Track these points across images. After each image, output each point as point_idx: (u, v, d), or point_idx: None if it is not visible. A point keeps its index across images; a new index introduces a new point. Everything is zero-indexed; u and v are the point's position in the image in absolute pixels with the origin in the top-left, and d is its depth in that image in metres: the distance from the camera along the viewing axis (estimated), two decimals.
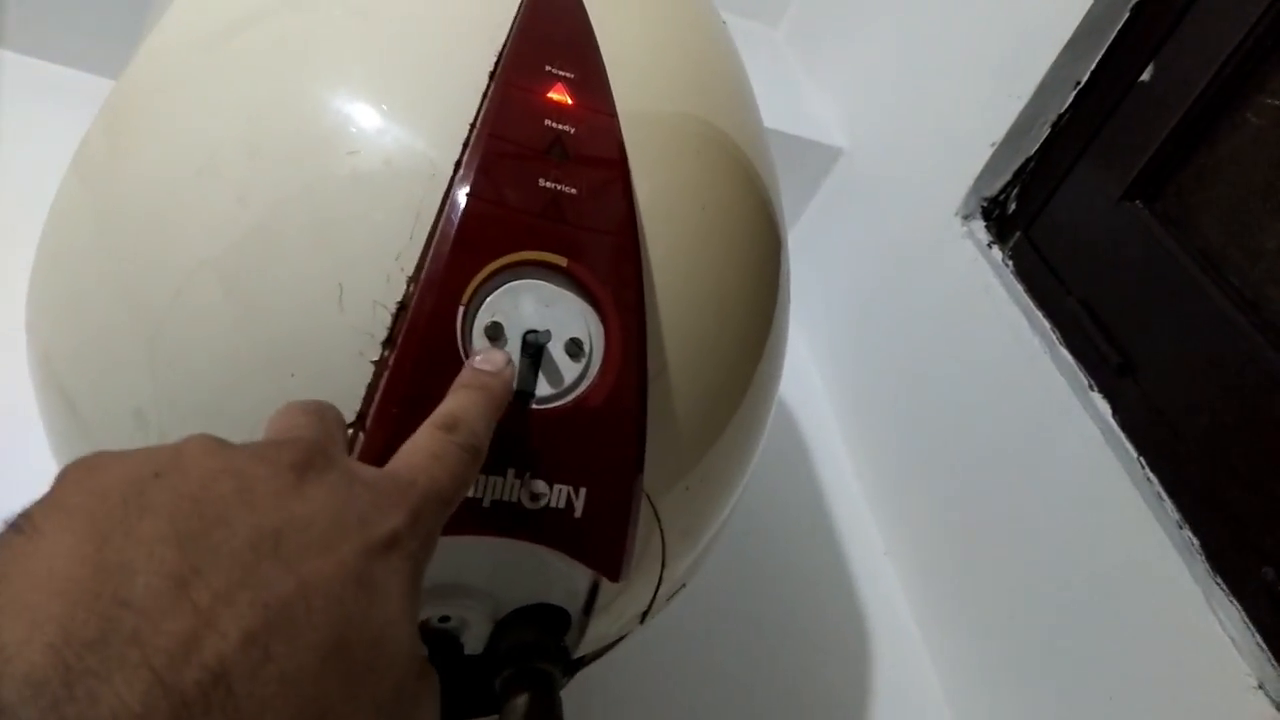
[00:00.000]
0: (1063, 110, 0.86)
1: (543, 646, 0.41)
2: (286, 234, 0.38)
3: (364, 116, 0.39)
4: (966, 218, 0.91)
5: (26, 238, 0.46)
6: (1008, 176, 0.89)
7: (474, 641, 0.42)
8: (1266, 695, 0.56)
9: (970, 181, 0.90)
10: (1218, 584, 0.62)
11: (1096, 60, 0.83)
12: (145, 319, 0.40)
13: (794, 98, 1.23)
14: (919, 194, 0.98)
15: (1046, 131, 0.87)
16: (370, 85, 0.39)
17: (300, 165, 0.38)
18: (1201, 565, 0.63)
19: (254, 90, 0.40)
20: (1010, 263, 0.87)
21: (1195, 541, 0.64)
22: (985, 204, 0.91)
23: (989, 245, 0.89)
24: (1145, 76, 0.79)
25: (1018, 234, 0.88)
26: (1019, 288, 0.84)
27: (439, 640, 0.42)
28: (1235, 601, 0.60)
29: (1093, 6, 0.80)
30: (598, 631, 0.44)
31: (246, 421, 0.37)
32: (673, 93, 0.45)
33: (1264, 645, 0.58)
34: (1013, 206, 0.90)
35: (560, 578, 0.41)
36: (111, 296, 0.41)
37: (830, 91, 1.22)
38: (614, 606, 0.44)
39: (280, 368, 0.37)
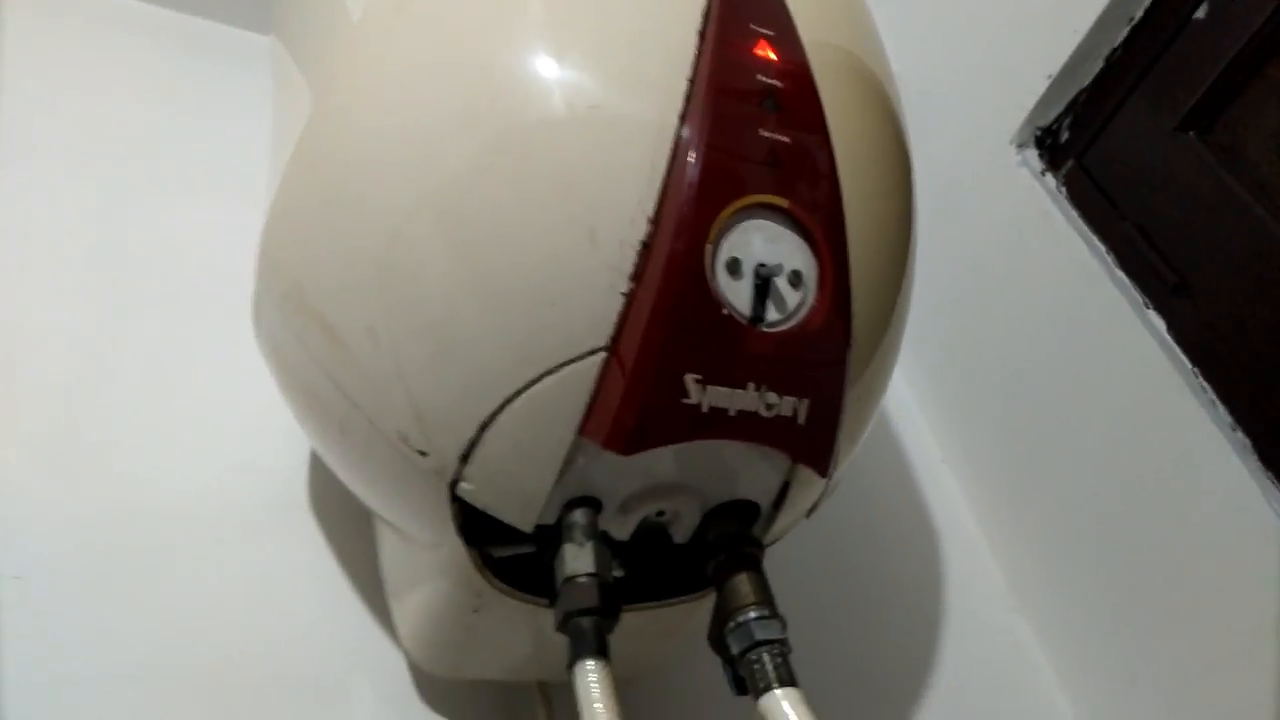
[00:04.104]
0: (1116, 45, 0.91)
1: (745, 535, 0.48)
2: (534, 180, 0.43)
3: (595, 74, 0.43)
4: (1021, 146, 0.97)
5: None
6: (1061, 107, 0.95)
7: (681, 532, 0.49)
8: None
9: (1026, 112, 0.95)
10: (1269, 479, 0.70)
11: None
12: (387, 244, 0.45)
13: None
14: (971, 121, 1.03)
15: (1100, 65, 0.92)
16: (595, 46, 0.44)
17: (545, 117, 0.43)
18: (1255, 461, 0.71)
19: (490, 51, 0.44)
20: (1064, 189, 0.93)
21: (1248, 442, 0.72)
22: (1039, 133, 0.96)
23: (1042, 173, 0.95)
24: (1199, 14, 0.85)
25: (1070, 162, 0.94)
26: (1074, 213, 0.91)
27: (653, 531, 0.48)
28: None
29: None
30: (781, 524, 0.51)
31: (478, 349, 0.43)
32: (840, 36, 0.50)
33: None
34: (1065, 136, 0.95)
35: (760, 476, 0.48)
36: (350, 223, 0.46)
37: (879, 14, 1.25)
38: (796, 502, 0.50)
39: (537, 298, 0.42)
